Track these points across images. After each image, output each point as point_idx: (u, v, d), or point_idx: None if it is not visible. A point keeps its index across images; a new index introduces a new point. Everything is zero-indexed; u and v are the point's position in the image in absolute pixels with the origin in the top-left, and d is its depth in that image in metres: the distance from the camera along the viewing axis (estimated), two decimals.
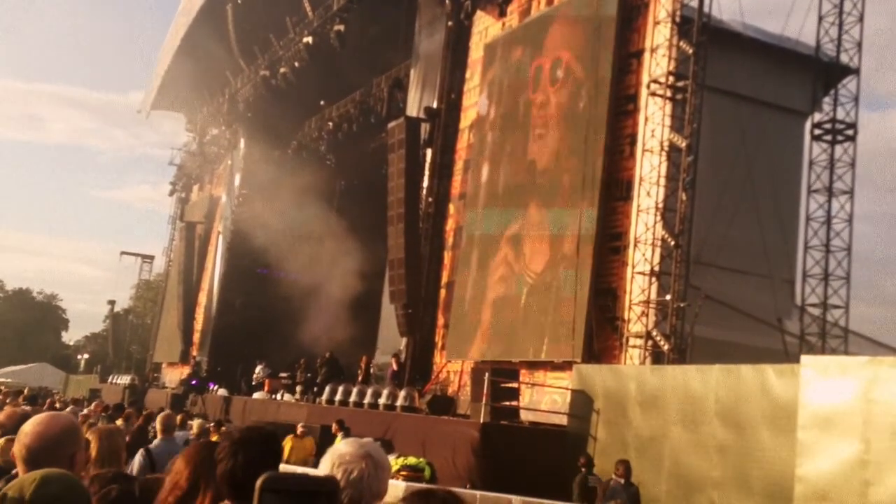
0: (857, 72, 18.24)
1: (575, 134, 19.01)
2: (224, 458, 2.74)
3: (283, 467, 2.59)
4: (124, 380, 39.62)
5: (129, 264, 56.80)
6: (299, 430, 15.94)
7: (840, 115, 18.23)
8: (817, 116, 18.58)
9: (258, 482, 1.70)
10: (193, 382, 31.90)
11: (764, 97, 18.15)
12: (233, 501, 2.75)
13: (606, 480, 12.66)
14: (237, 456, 2.71)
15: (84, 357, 64.85)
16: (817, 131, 18.39)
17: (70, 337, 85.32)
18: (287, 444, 15.04)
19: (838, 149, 18.12)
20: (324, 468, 2.62)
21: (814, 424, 10.99)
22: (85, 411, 16.84)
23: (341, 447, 2.67)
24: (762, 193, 17.26)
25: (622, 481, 12.42)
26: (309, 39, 29.79)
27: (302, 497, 1.66)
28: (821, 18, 18.31)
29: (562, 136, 19.65)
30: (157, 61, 44.46)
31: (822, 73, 18.55)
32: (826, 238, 17.76)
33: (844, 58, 18.28)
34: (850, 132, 18.15)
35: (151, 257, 56.71)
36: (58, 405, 18.18)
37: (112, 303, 58.12)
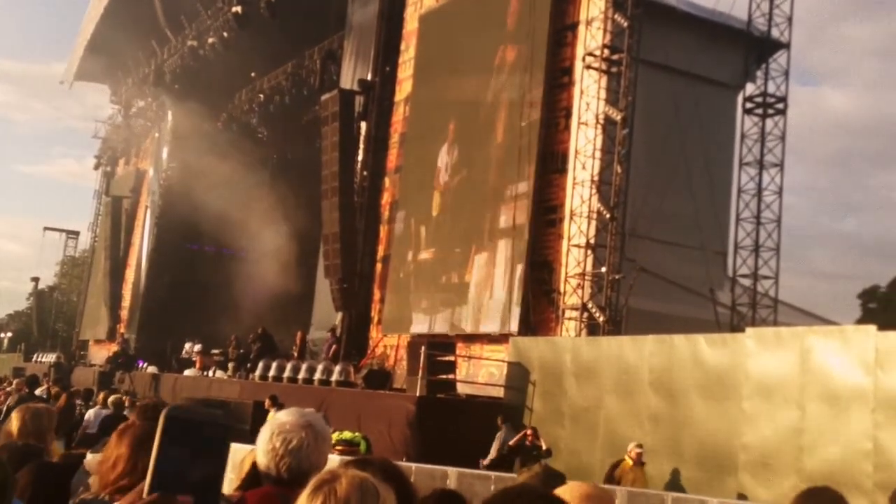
0: (787, 46, 18.53)
1: (511, 108, 18.94)
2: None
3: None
4: (49, 358, 38.52)
5: (53, 240, 55.14)
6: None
7: (771, 88, 18.54)
8: (749, 90, 18.86)
9: (164, 412, 1.77)
10: (122, 360, 31.15)
11: (697, 71, 18.30)
12: None
13: None
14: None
15: (7, 335, 62.94)
16: (749, 105, 18.66)
17: None
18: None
19: (769, 122, 18.43)
20: (263, 437, 2.51)
21: (756, 394, 11.22)
22: (9, 389, 16.32)
23: (282, 416, 2.58)
24: (695, 166, 17.45)
25: None
26: (238, 9, 29.02)
27: (202, 427, 1.76)
28: None
29: (498, 109, 19.55)
30: (80, 30, 43.01)
31: (753, 47, 18.81)
32: (757, 210, 18.08)
33: (775, 32, 18.57)
34: (780, 106, 18.46)
35: (76, 233, 55.06)
36: None
37: (36, 280, 56.51)
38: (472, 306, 18.84)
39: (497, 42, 19.92)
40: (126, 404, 11.24)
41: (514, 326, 17.10)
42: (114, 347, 36.05)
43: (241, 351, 24.82)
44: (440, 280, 20.19)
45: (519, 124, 18.47)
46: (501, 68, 19.79)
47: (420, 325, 20.25)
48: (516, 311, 17.27)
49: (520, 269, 17.51)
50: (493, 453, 13.65)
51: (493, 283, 18.26)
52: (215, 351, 26.91)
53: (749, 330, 12.69)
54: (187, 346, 28.70)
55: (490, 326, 18.13)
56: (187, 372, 26.13)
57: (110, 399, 11.17)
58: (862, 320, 34.01)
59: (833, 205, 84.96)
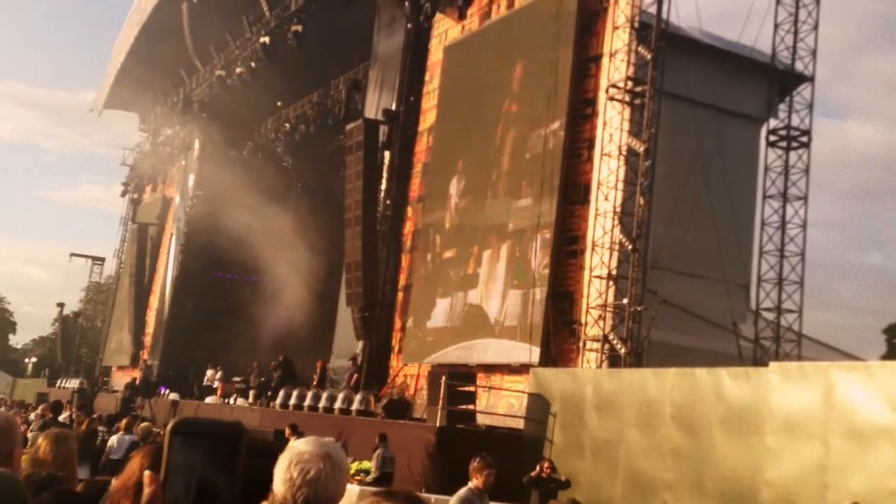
0: (811, 79, 18.49)
1: (534, 138, 19.05)
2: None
3: None
4: (73, 384, 38.78)
5: (78, 266, 55.52)
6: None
7: (795, 121, 18.47)
8: (772, 123, 18.80)
9: (168, 426, 1.73)
10: (141, 386, 31.29)
11: (720, 103, 18.29)
12: None
13: None
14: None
15: (32, 360, 63.46)
16: (772, 137, 18.60)
17: (17, 340, 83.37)
18: None
19: (793, 155, 18.34)
20: (281, 465, 2.50)
21: (780, 429, 11.09)
22: (32, 416, 16.47)
23: (301, 445, 2.55)
24: (718, 198, 17.37)
25: None
26: (266, 39, 29.43)
27: (208, 439, 1.71)
28: (776, 26, 18.54)
29: (522, 139, 19.68)
30: (110, 59, 43.74)
31: (777, 80, 18.78)
32: (780, 243, 17.95)
33: (799, 65, 18.52)
34: (804, 139, 18.38)
35: (102, 259, 55.42)
36: (1, 408, 17.71)
37: (61, 305, 56.94)
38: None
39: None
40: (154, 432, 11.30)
41: (534, 357, 17.04)
42: (137, 374, 36.26)
43: (263, 379, 24.85)
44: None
45: (542, 154, 18.62)
46: (509, 113, 20.24)
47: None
48: (537, 342, 17.22)
49: (541, 299, 17.50)
50: (374, 471, 14.49)
51: (515, 313, 18.43)
52: (237, 378, 26.97)
53: (772, 364, 12.56)
54: (209, 373, 28.79)
55: (511, 357, 18.08)
56: (208, 399, 26.19)
57: (141, 426, 11.20)
58: (887, 356, 33.56)
59: (858, 238, 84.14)
